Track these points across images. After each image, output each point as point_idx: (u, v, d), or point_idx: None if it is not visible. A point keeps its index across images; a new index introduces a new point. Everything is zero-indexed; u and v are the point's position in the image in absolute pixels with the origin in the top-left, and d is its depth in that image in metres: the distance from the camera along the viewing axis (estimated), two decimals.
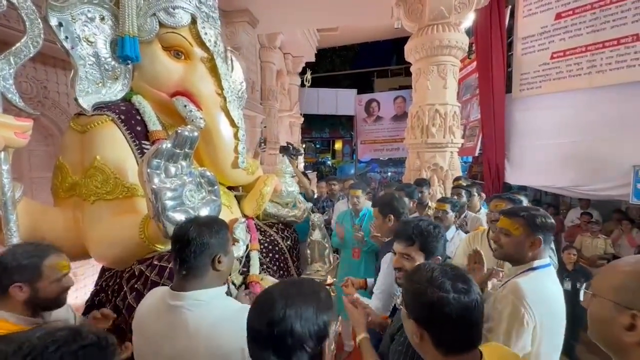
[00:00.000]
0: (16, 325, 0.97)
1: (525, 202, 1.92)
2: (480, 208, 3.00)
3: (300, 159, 8.51)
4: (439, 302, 0.74)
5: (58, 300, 1.10)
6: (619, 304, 0.64)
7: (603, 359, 0.70)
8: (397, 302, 0.92)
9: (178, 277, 1.01)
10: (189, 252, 0.97)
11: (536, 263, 1.27)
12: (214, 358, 0.88)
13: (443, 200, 2.46)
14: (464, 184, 3.35)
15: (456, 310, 0.73)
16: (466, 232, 2.48)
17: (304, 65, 8.13)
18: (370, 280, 1.96)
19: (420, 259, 1.23)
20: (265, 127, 6.20)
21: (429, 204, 3.14)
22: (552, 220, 1.31)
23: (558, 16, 4.55)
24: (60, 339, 0.51)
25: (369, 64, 13.34)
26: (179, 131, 1.22)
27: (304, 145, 11.10)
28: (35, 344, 0.50)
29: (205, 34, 1.77)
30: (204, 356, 0.89)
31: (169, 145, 1.21)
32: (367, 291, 1.95)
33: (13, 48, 1.25)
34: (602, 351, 0.70)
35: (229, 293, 1.57)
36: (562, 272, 3.25)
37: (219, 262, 1.02)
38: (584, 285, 0.76)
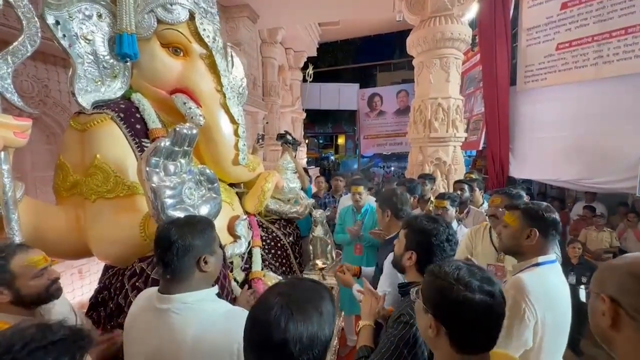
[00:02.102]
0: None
1: (524, 197, 1.90)
2: (483, 202, 2.98)
3: (303, 154, 8.49)
4: (464, 301, 0.74)
5: (49, 294, 1.09)
6: (598, 293, 0.68)
7: (607, 353, 0.71)
8: (412, 294, 0.92)
9: (163, 280, 0.98)
10: (172, 255, 0.93)
11: (541, 259, 1.25)
12: None
13: (442, 196, 2.43)
14: (475, 178, 3.34)
15: (480, 312, 0.74)
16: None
17: (305, 60, 8.08)
18: (364, 269, 1.96)
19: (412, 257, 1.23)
20: (267, 123, 6.19)
21: (431, 198, 3.13)
22: (554, 216, 1.28)
23: (564, 6, 4.45)
24: (28, 337, 0.51)
25: (371, 57, 13.19)
26: (178, 129, 1.22)
27: (306, 141, 11.06)
28: (1, 343, 0.50)
29: (204, 30, 1.76)
30: None
31: (168, 143, 1.21)
32: (360, 279, 1.96)
33: (10, 47, 1.24)
34: None
35: (231, 290, 1.58)
36: (567, 266, 3.23)
37: (205, 262, 0.98)
38: (583, 285, 0.79)
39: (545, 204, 1.34)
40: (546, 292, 1.20)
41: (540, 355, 1.19)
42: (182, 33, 1.71)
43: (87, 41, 1.50)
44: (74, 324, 0.58)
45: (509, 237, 1.35)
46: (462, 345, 0.77)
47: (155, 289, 1.01)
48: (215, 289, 1.04)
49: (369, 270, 1.93)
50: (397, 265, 1.31)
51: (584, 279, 3.15)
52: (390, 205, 1.84)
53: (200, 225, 1.00)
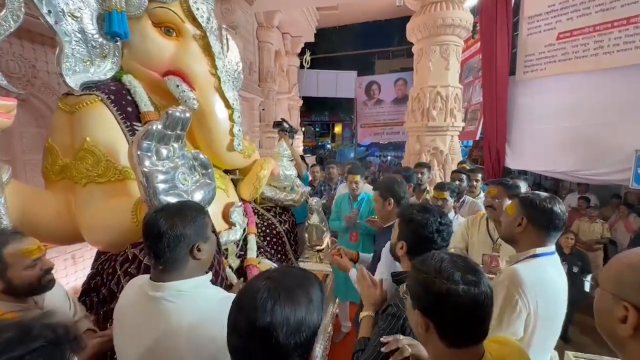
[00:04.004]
0: (6, 313, 0.95)
1: (523, 188, 1.90)
2: (480, 193, 2.98)
3: (299, 142, 8.43)
4: (447, 293, 0.72)
5: (41, 285, 1.07)
6: (616, 295, 0.63)
7: (595, 340, 0.70)
8: (402, 291, 0.90)
9: (155, 270, 0.94)
10: (163, 246, 0.89)
11: (539, 250, 1.24)
12: (198, 351, 0.84)
13: (441, 187, 2.41)
14: (468, 168, 3.33)
15: (465, 302, 0.72)
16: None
17: (303, 45, 7.91)
18: (362, 255, 1.96)
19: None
20: (263, 109, 6.10)
21: (428, 188, 3.13)
22: (550, 206, 1.24)
23: None
24: (3, 343, 0.44)
25: (370, 44, 12.95)
26: (170, 112, 1.18)
27: (302, 129, 10.97)
28: None
29: (197, 9, 1.69)
30: (187, 349, 0.85)
31: (160, 126, 1.17)
32: (356, 265, 1.94)
33: None
34: (594, 333, 0.68)
35: (225, 277, 1.57)
36: (559, 256, 3.27)
37: (199, 250, 0.95)
38: (590, 276, 0.75)
39: (547, 195, 1.31)
40: (542, 284, 1.18)
41: (529, 347, 1.19)
42: (174, 12, 1.64)
43: (74, 18, 1.43)
44: (60, 322, 0.51)
45: (505, 224, 1.37)
46: (453, 339, 0.75)
47: (144, 278, 0.98)
48: (209, 275, 1.02)
49: (367, 256, 1.93)
50: (393, 253, 1.31)
51: (575, 269, 3.21)
52: (393, 194, 1.82)
53: (191, 213, 0.96)
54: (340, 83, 10.97)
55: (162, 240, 0.89)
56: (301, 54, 7.94)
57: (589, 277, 0.92)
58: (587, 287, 0.91)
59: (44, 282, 1.08)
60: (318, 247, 2.38)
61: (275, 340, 0.60)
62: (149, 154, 1.17)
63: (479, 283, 0.73)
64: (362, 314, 1.25)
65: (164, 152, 1.21)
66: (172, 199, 1.18)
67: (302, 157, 4.23)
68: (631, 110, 3.83)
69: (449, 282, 0.73)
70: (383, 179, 2.06)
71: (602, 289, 0.67)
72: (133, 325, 0.93)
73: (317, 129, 18.55)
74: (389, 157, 14.64)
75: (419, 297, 0.78)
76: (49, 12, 1.34)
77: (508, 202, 1.72)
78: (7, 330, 0.46)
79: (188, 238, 0.92)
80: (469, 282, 0.73)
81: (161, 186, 1.17)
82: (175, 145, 1.25)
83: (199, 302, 0.90)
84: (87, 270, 1.68)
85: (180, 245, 0.91)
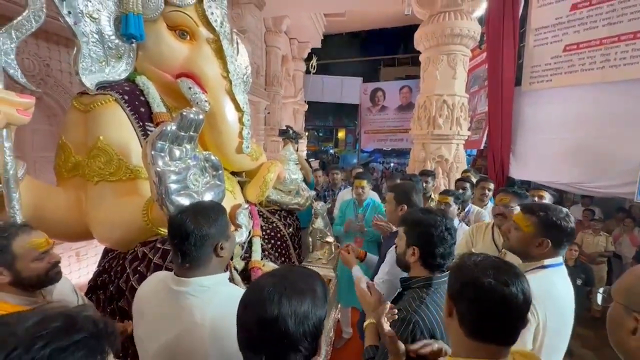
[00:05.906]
0: (16, 306, 0.97)
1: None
2: (487, 202, 2.96)
3: (303, 146, 8.46)
4: (471, 282, 0.74)
5: (49, 278, 1.08)
6: (627, 306, 0.64)
7: (596, 353, 0.70)
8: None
9: (180, 267, 0.97)
10: (190, 245, 0.93)
11: (547, 261, 1.23)
12: (221, 345, 0.86)
13: (446, 192, 2.42)
14: (473, 178, 3.32)
15: (488, 297, 0.72)
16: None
17: (309, 51, 7.99)
18: (370, 255, 1.95)
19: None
20: (269, 113, 6.14)
21: (432, 195, 3.13)
22: (572, 225, 1.22)
23: (574, 7, 4.40)
24: (51, 333, 0.44)
25: (376, 52, 13.06)
26: (184, 113, 1.20)
27: (306, 133, 11.02)
28: (22, 338, 0.43)
29: (212, 13, 1.72)
30: (211, 342, 0.87)
31: (174, 127, 1.19)
32: (364, 264, 1.94)
33: (14, 21, 1.21)
34: (596, 347, 0.69)
35: (231, 279, 1.58)
36: None
37: (222, 248, 1.00)
38: (602, 289, 0.76)
39: (565, 210, 1.27)
40: (551, 295, 1.17)
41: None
42: (189, 16, 1.68)
43: (92, 19, 1.46)
44: (99, 315, 0.52)
45: (519, 240, 1.31)
46: (471, 330, 0.75)
47: (164, 273, 1.01)
48: (227, 274, 1.06)
49: (374, 258, 1.92)
50: (402, 263, 1.29)
51: (578, 281, 3.19)
52: (408, 200, 1.80)
53: (214, 213, 1.00)
54: (345, 89, 11.03)
55: (189, 239, 0.93)
56: (308, 59, 8.00)
57: (601, 290, 0.90)
58: (599, 299, 0.89)
59: (52, 274, 1.10)
60: (328, 240, 2.37)
61: (285, 329, 0.62)
62: (163, 154, 1.19)
63: (509, 285, 0.73)
64: (367, 322, 1.24)
65: (177, 152, 1.23)
66: (184, 199, 1.19)
67: (308, 162, 4.23)
68: (636, 123, 3.83)
69: (479, 272, 0.75)
70: (402, 183, 2.05)
71: (615, 301, 0.68)
72: (155, 316, 0.96)
73: (320, 134, 18.60)
74: (391, 164, 14.65)
75: (450, 282, 0.82)
76: (69, 12, 1.38)
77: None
78: (55, 320, 0.45)
79: (212, 237, 0.96)
80: (500, 280, 0.73)
81: (173, 186, 1.19)
82: (188, 146, 1.27)
83: (220, 298, 0.94)
84: (91, 268, 1.70)
85: (206, 244, 0.95)
